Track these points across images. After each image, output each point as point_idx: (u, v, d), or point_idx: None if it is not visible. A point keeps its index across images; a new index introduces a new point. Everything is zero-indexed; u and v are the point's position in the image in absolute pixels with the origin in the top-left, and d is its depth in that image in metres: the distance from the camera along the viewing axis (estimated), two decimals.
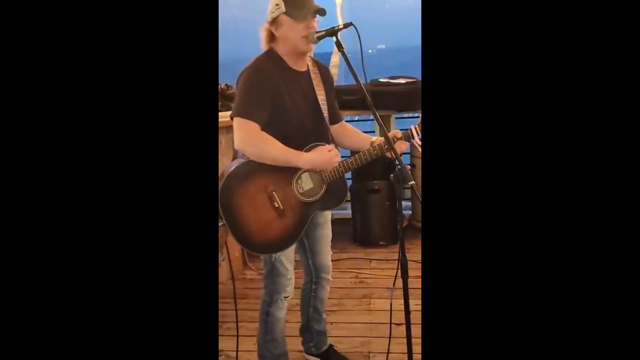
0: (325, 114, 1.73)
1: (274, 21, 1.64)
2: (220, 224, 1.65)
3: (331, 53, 3.40)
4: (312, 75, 1.74)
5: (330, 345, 2.10)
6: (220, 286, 2.84)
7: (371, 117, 3.40)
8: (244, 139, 1.60)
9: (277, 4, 1.62)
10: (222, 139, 2.72)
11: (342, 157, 1.73)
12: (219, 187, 1.66)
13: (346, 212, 3.43)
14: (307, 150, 1.67)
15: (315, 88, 1.72)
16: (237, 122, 1.61)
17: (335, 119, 1.85)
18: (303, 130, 1.68)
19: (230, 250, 1.80)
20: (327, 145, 1.68)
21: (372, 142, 1.69)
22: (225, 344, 2.26)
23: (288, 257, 1.78)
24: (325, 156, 1.65)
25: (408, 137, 1.66)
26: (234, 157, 1.73)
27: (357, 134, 1.88)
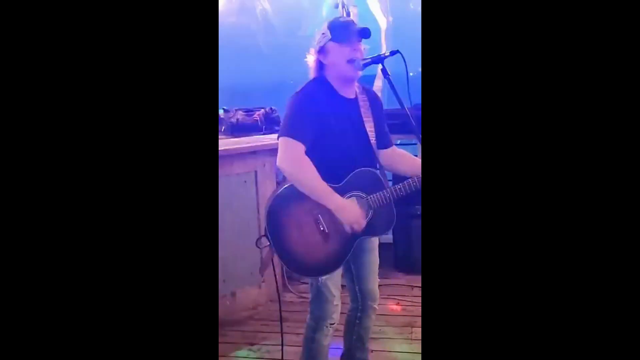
0: (373, 140, 1.73)
1: (322, 50, 1.68)
2: (265, 244, 1.65)
3: (374, 77, 3.41)
4: (361, 103, 1.74)
5: None
6: (260, 308, 2.85)
7: (413, 141, 3.36)
8: (286, 159, 1.61)
9: (323, 33, 1.67)
10: (267, 161, 2.75)
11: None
12: (266, 209, 1.67)
13: (387, 236, 3.38)
14: (356, 175, 1.67)
15: (363, 115, 1.73)
16: (282, 141, 1.62)
17: (385, 144, 1.84)
18: (349, 155, 1.69)
19: (271, 272, 1.79)
20: (359, 211, 1.64)
21: None
22: None
23: (334, 283, 1.76)
24: (354, 214, 1.63)
25: None
26: (277, 181, 1.73)
27: (411, 158, 1.86)
